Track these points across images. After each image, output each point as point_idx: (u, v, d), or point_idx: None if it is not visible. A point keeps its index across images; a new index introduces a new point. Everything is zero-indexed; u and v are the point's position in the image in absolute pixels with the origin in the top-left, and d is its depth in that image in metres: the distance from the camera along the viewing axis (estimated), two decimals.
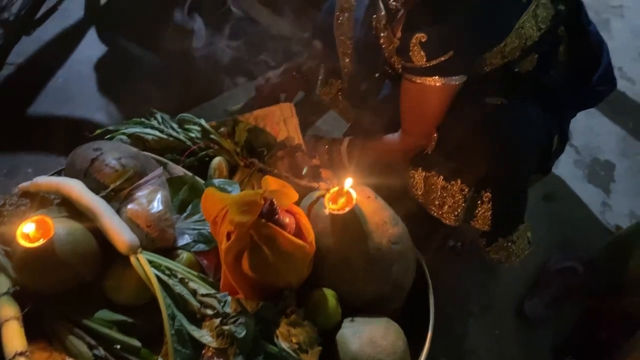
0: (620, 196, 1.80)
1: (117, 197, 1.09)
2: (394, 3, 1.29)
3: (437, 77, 1.18)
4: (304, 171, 1.25)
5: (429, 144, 1.30)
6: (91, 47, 2.09)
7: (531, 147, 1.27)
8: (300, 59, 1.74)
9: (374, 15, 1.38)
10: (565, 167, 1.84)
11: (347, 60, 1.52)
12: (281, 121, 1.32)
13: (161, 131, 1.35)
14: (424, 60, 1.16)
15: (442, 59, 1.15)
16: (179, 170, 1.22)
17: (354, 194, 1.02)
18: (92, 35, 2.13)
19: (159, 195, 1.09)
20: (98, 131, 1.39)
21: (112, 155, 1.14)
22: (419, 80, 1.20)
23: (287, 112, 1.33)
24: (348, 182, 1.02)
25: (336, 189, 1.03)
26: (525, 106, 1.25)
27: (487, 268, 1.61)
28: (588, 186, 1.82)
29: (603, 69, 1.35)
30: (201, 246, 1.10)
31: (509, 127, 1.21)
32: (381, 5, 1.33)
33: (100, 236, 1.03)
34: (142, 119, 1.41)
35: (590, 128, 1.95)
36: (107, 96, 1.91)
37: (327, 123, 1.89)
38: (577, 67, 1.37)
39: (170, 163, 1.24)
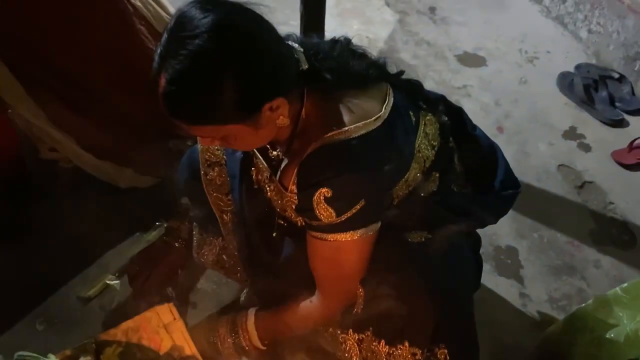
0: (533, 282, 1.71)
1: None
2: (274, 153, 1.10)
3: (351, 231, 1.01)
4: None
5: (354, 301, 1.09)
6: None
7: (470, 277, 1.13)
8: (173, 222, 1.47)
9: (252, 169, 1.17)
10: None
11: (226, 217, 1.29)
12: (161, 328, 1.02)
13: None
14: (334, 216, 0.98)
15: (354, 210, 0.98)
16: None
17: None
18: None
19: None
20: None
21: None
22: (330, 237, 1.02)
23: (166, 315, 1.03)
24: None
25: None
26: (449, 234, 1.10)
27: None
28: (500, 279, 1.71)
29: (503, 172, 1.27)
30: None
31: (443, 265, 1.06)
32: (260, 157, 1.13)
33: None
34: None
35: None
36: None
37: (213, 281, 1.60)
38: (475, 176, 1.27)
39: None
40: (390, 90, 1.07)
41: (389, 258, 1.06)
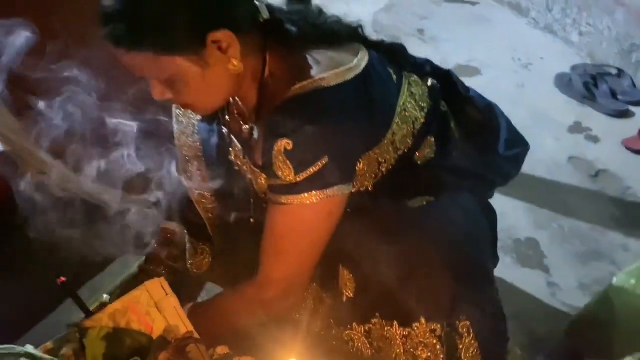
0: (560, 270, 1.60)
1: None
2: (246, 127, 1.02)
3: (312, 191, 0.89)
4: None
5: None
6: None
7: (484, 238, 1.01)
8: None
9: (230, 149, 1.09)
10: None
11: (212, 216, 1.19)
12: (152, 308, 0.90)
13: None
14: (292, 174, 0.88)
15: (316, 168, 0.87)
16: None
17: None
18: None
19: None
20: None
21: None
22: (286, 200, 0.90)
23: (157, 292, 0.92)
24: None
25: None
26: (454, 196, 1.00)
27: None
28: (524, 270, 1.60)
29: (506, 131, 1.18)
30: None
31: (451, 225, 0.96)
32: (233, 138, 1.05)
33: None
34: None
35: None
36: None
37: None
38: (477, 140, 1.18)
39: None
40: (364, 49, 0.98)
41: (387, 227, 0.95)
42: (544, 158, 2.01)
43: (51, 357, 0.86)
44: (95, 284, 1.50)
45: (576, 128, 2.15)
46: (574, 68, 2.45)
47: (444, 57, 2.63)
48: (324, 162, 0.87)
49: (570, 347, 1.38)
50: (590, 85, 2.30)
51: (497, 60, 2.59)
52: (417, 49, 2.69)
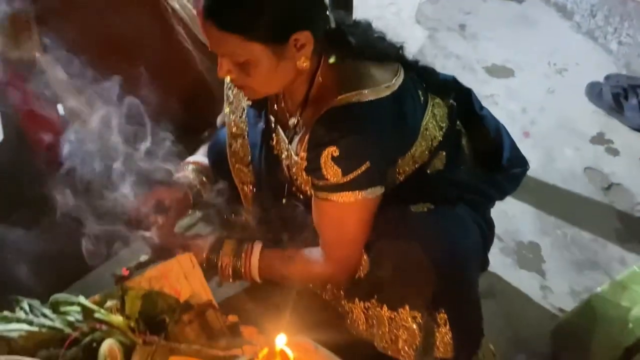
0: (556, 275, 1.72)
1: None
2: (293, 119, 1.18)
3: (356, 191, 1.07)
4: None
5: (357, 269, 1.14)
6: None
7: (472, 246, 1.16)
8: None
9: (273, 135, 1.26)
10: (493, 258, 1.71)
11: (246, 189, 1.37)
12: (181, 277, 1.10)
13: (30, 323, 1.07)
14: (340, 175, 1.05)
15: (359, 171, 1.04)
16: None
17: (289, 352, 0.80)
18: None
19: None
20: None
21: None
22: (335, 197, 1.08)
23: (187, 265, 1.11)
24: (281, 340, 0.81)
25: (266, 350, 0.81)
26: (452, 207, 1.15)
27: None
28: (521, 272, 1.73)
29: (509, 150, 1.31)
30: None
31: (444, 232, 1.11)
32: (278, 127, 1.21)
33: None
34: (5, 313, 1.12)
35: (504, 213, 1.90)
36: None
37: None
38: (483, 156, 1.32)
39: None
40: (402, 69, 1.14)
41: (391, 226, 1.11)
42: (561, 166, 2.10)
43: (98, 308, 1.06)
44: (137, 246, 1.71)
45: (598, 139, 2.22)
46: (607, 77, 2.49)
47: (481, 55, 2.71)
48: (366, 166, 1.04)
49: (553, 350, 1.51)
50: (621, 97, 2.34)
51: (533, 63, 2.65)
52: (455, 45, 2.78)
